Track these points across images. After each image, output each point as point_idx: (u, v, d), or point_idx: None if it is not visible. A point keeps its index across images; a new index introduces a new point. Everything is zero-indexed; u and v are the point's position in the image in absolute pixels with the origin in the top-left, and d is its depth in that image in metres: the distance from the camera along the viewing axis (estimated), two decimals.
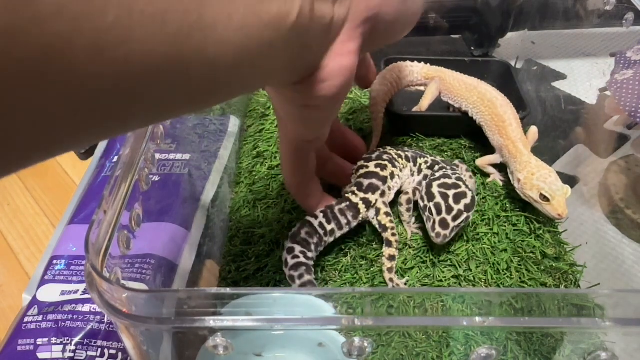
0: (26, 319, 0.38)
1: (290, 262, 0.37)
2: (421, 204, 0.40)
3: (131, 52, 0.16)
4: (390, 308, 0.25)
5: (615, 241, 0.45)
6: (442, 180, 0.40)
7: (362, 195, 0.40)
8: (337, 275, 0.41)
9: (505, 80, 0.56)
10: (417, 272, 0.40)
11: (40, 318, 0.38)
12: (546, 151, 0.53)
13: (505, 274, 0.41)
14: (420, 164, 0.44)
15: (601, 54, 0.58)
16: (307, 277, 0.37)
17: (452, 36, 0.68)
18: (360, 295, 0.25)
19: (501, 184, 0.47)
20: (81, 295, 0.39)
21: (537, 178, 0.41)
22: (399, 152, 0.44)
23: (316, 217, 0.39)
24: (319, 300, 0.25)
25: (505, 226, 0.44)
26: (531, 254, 0.42)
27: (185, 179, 0.44)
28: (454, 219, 0.38)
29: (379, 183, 0.41)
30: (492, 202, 0.46)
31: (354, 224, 0.40)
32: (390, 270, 0.39)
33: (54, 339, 0.36)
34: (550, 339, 0.33)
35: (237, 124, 0.54)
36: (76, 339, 0.36)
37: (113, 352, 0.36)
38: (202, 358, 0.31)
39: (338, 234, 0.40)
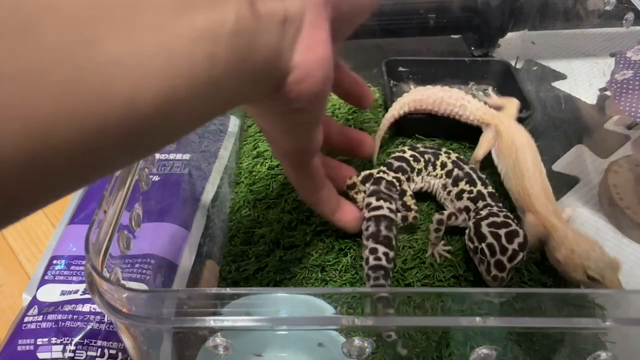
0: (26, 319, 0.38)
1: (372, 262, 0.37)
2: (471, 245, 0.37)
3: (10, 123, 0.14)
4: (390, 308, 0.25)
5: (615, 241, 0.45)
6: (491, 219, 0.37)
7: (392, 174, 0.42)
8: (337, 275, 0.41)
9: (505, 80, 0.56)
10: (417, 272, 0.40)
11: (40, 318, 0.38)
12: (546, 151, 0.52)
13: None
14: (442, 166, 0.44)
15: (601, 54, 0.58)
16: (381, 282, 0.36)
17: (452, 36, 0.68)
18: (360, 295, 0.25)
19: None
20: (81, 295, 0.39)
21: (578, 256, 0.35)
22: (427, 155, 0.44)
23: (380, 207, 0.39)
24: (319, 300, 0.25)
25: None
26: (531, 254, 0.42)
27: (185, 179, 0.44)
28: (510, 259, 0.35)
29: (408, 168, 0.43)
30: None
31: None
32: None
33: (54, 339, 0.36)
34: (550, 339, 0.33)
35: (237, 124, 0.54)
36: (76, 339, 0.36)
37: (113, 352, 0.36)
38: (202, 358, 0.31)
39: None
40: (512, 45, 0.64)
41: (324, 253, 0.42)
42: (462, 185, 0.42)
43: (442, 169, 0.43)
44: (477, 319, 0.24)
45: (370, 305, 0.25)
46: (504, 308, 0.25)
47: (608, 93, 0.43)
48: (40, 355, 0.36)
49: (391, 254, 0.37)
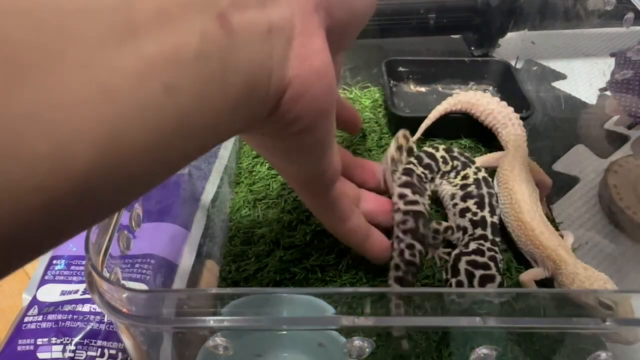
0: (26, 319, 0.38)
1: (408, 257, 0.37)
2: (444, 276, 0.38)
3: None
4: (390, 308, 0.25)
5: (616, 241, 0.45)
6: (472, 257, 0.36)
7: (421, 169, 0.42)
8: (337, 275, 0.41)
9: (505, 80, 0.56)
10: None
11: (40, 318, 0.38)
12: (546, 151, 0.53)
13: (505, 274, 0.41)
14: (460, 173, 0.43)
15: (601, 54, 0.58)
16: (409, 278, 0.36)
17: (452, 36, 0.68)
18: (360, 295, 0.25)
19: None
20: (81, 295, 0.39)
21: None
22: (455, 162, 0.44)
23: (417, 202, 0.39)
24: (319, 301, 0.25)
25: (505, 226, 0.44)
26: None
27: (185, 179, 0.44)
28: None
29: (435, 168, 0.43)
30: None
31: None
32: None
33: (54, 339, 0.36)
34: (550, 339, 0.33)
35: None
36: (76, 339, 0.36)
37: (113, 352, 0.36)
38: (202, 358, 0.31)
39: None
40: (512, 45, 0.64)
41: (324, 253, 0.42)
42: (470, 204, 0.41)
43: (461, 180, 0.42)
44: (477, 319, 0.24)
45: (371, 305, 0.25)
46: (504, 308, 0.25)
47: (608, 93, 0.43)
48: (40, 355, 0.36)
49: (423, 251, 0.38)
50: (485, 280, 0.35)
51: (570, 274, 0.35)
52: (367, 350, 0.25)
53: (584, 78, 0.60)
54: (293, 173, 0.29)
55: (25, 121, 0.12)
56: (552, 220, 0.44)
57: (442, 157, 0.44)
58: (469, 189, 0.42)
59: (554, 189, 0.48)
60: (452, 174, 0.43)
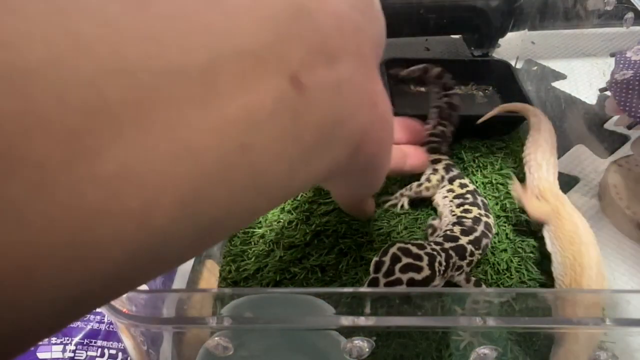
0: None
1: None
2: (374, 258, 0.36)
3: None
4: (390, 308, 0.25)
5: (616, 241, 0.45)
6: (409, 246, 0.35)
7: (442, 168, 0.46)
8: (337, 275, 0.41)
9: (505, 80, 0.56)
10: None
11: None
12: None
13: (505, 274, 0.41)
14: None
15: (601, 54, 0.58)
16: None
17: (452, 36, 0.68)
18: (360, 295, 0.25)
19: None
20: None
21: None
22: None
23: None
24: (319, 300, 0.25)
25: (505, 226, 0.44)
26: (531, 254, 0.42)
27: None
28: (387, 284, 0.33)
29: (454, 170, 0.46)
30: (492, 202, 0.46)
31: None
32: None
33: (54, 338, 0.36)
34: (550, 339, 0.33)
35: None
36: (76, 339, 0.36)
37: (113, 352, 0.36)
38: (202, 358, 0.31)
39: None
40: (512, 45, 0.64)
41: (324, 253, 0.42)
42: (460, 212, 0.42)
43: (453, 191, 0.44)
44: (477, 319, 0.24)
45: (371, 305, 0.25)
46: (504, 308, 0.25)
47: (608, 93, 0.43)
48: (40, 355, 0.36)
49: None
50: (409, 268, 0.34)
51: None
52: (367, 350, 0.25)
53: (584, 78, 0.60)
54: (354, 197, 0.31)
55: (119, 178, 0.13)
56: None
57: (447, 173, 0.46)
58: (462, 200, 0.43)
59: None
60: (443, 185, 0.45)
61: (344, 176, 0.25)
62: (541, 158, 0.44)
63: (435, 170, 0.45)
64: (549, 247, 0.39)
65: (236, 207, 0.17)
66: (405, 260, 0.34)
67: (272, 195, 0.19)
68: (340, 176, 0.25)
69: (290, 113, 0.18)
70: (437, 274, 0.34)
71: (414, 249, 0.35)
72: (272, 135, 0.17)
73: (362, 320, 0.24)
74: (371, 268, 0.34)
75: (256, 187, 0.17)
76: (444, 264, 0.35)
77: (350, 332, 0.25)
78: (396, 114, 0.51)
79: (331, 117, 0.20)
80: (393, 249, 0.35)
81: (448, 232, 0.39)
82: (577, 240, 0.38)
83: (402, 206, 0.45)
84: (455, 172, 0.45)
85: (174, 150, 0.14)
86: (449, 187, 0.44)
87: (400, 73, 0.47)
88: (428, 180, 0.45)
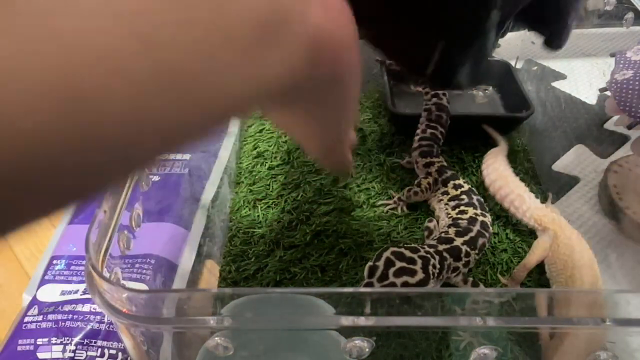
0: (26, 319, 0.38)
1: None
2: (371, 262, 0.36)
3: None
4: (390, 308, 0.25)
5: (616, 241, 0.45)
6: (403, 251, 0.35)
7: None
8: (337, 275, 0.41)
9: (505, 80, 0.56)
10: None
11: (40, 318, 0.38)
12: (546, 151, 0.53)
13: (505, 274, 0.41)
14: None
15: (601, 54, 0.58)
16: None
17: None
18: (360, 295, 0.25)
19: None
20: (81, 295, 0.39)
21: None
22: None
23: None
24: (319, 301, 0.25)
25: (505, 226, 0.44)
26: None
27: (185, 179, 0.44)
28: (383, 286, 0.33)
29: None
30: (492, 202, 0.46)
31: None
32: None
33: (54, 339, 0.36)
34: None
35: (237, 123, 0.54)
36: (76, 339, 0.36)
37: (113, 352, 0.36)
38: (202, 358, 0.31)
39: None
40: (512, 45, 0.64)
41: (324, 253, 0.42)
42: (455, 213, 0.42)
43: (449, 194, 0.44)
44: (477, 319, 0.24)
45: (371, 305, 0.25)
46: (504, 308, 0.25)
47: (608, 93, 0.43)
48: (40, 355, 0.36)
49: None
50: (402, 272, 0.34)
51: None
52: (367, 350, 0.25)
53: (584, 78, 0.60)
54: (318, 133, 0.26)
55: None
56: None
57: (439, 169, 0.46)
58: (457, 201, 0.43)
59: (554, 189, 0.48)
60: (445, 201, 0.44)
61: (306, 95, 0.22)
62: (519, 190, 0.43)
63: (428, 174, 0.45)
64: (547, 273, 0.40)
65: (150, 112, 0.14)
66: (399, 264, 0.34)
67: (201, 101, 0.16)
68: (302, 95, 0.22)
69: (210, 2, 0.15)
70: (432, 276, 0.35)
71: (408, 253, 0.35)
72: (185, 28, 0.14)
73: (362, 320, 0.24)
74: (365, 273, 0.34)
75: (174, 88, 0.14)
76: (437, 266, 0.35)
77: (350, 332, 0.25)
78: (396, 113, 0.52)
79: (268, 8, 0.16)
80: (386, 254, 0.35)
81: (442, 235, 0.39)
82: (570, 264, 0.38)
83: (401, 209, 0.45)
84: (448, 173, 0.45)
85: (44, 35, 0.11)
86: (443, 189, 0.44)
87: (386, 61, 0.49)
88: (418, 185, 0.45)
